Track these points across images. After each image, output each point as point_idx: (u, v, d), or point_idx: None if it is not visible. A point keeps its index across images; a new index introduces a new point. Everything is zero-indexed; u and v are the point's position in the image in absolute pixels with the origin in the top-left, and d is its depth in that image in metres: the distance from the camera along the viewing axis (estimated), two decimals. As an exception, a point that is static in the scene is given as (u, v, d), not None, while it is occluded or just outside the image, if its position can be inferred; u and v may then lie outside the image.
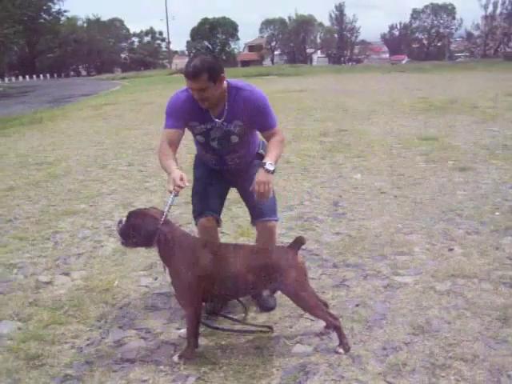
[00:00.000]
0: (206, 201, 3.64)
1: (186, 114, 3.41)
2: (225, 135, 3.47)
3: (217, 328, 3.40)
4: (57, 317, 3.70)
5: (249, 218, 5.62)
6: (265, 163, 3.24)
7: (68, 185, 7.73)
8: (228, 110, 3.39)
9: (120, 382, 2.93)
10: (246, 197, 3.71)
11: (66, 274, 4.47)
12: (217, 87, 3.26)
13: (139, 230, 3.05)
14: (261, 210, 3.66)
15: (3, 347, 3.34)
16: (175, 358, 3.11)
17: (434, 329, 3.32)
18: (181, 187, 3.10)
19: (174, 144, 3.41)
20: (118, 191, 7.24)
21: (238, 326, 3.45)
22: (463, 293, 3.78)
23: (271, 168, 3.22)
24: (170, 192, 3.11)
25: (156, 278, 4.30)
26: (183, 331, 3.35)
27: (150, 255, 4.56)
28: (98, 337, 3.43)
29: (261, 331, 3.37)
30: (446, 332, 3.28)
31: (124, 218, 3.16)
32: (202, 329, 3.24)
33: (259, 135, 3.62)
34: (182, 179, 3.11)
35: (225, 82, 3.36)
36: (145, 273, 4.42)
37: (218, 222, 3.71)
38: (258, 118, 3.40)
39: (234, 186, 3.85)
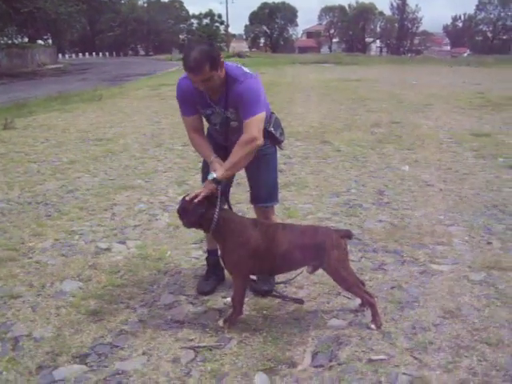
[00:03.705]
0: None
1: (192, 101, 3.51)
2: (224, 121, 3.53)
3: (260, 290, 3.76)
4: (114, 280, 4.05)
5: (296, 201, 5.92)
6: (212, 175, 3.29)
7: (125, 161, 8.14)
8: (225, 98, 3.40)
9: (169, 340, 3.23)
10: (248, 177, 3.84)
11: (123, 243, 4.81)
12: (219, 74, 3.26)
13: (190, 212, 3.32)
14: (258, 194, 3.82)
15: (66, 302, 3.71)
16: (220, 323, 3.40)
17: (463, 314, 3.49)
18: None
19: (198, 129, 3.59)
20: (173, 169, 7.58)
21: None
22: (496, 284, 3.93)
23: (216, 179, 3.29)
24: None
25: (206, 251, 4.59)
26: (229, 300, 3.64)
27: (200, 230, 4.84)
28: (150, 299, 3.76)
29: (294, 301, 3.68)
30: (474, 318, 3.45)
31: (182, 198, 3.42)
32: (246, 298, 3.51)
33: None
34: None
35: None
36: (195, 246, 4.72)
37: None
38: (241, 107, 3.35)
39: None
